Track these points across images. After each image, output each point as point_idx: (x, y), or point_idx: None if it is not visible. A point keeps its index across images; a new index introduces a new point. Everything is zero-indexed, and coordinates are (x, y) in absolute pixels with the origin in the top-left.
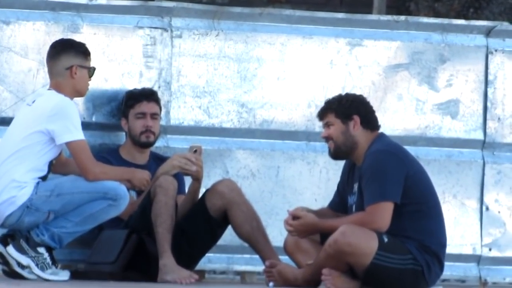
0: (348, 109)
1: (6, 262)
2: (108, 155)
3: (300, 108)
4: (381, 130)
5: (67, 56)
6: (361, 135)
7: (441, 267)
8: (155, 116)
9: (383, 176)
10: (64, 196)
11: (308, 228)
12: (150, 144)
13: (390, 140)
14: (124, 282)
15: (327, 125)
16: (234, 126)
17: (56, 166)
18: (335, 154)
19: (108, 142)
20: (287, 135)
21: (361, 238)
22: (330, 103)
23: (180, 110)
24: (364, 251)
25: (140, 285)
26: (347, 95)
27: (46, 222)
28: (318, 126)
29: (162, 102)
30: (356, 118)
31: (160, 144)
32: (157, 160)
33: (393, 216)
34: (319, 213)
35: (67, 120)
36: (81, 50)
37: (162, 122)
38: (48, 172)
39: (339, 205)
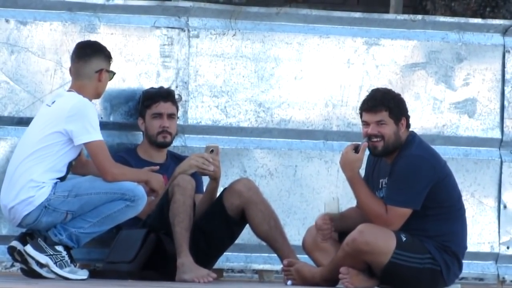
0: (401, 110)
1: (24, 261)
2: (126, 155)
3: (318, 107)
4: None
5: (98, 59)
6: (403, 135)
7: (460, 267)
8: (172, 116)
9: (412, 183)
10: (82, 197)
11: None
12: (167, 144)
13: (423, 141)
14: (142, 281)
15: (379, 123)
16: (251, 126)
17: (75, 167)
18: (382, 153)
19: (126, 141)
20: (305, 134)
21: (379, 237)
22: (385, 100)
23: (197, 110)
24: (382, 250)
25: (158, 284)
26: (393, 93)
27: (64, 222)
28: (335, 125)
29: (179, 102)
30: (404, 120)
31: (177, 143)
32: (175, 159)
33: (417, 217)
34: (345, 215)
35: (85, 121)
36: (108, 54)
37: (180, 121)
38: (67, 173)
39: None
